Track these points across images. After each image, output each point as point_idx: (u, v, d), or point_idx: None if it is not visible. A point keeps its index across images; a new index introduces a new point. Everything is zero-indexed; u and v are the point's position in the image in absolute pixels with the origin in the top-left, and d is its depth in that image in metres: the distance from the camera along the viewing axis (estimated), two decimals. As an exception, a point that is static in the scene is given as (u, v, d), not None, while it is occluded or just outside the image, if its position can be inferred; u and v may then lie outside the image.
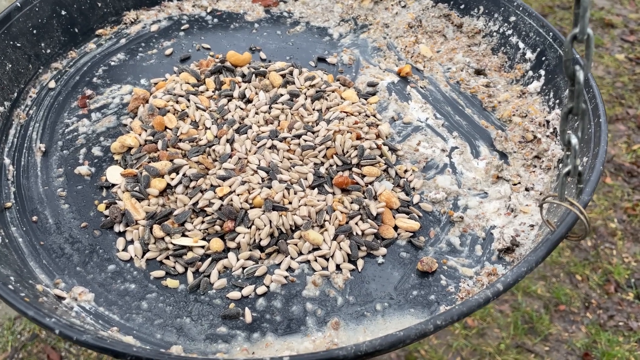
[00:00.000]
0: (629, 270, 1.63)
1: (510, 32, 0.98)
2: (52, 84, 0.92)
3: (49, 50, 0.95)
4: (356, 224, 0.74)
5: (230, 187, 0.74)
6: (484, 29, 1.02)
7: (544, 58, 0.92)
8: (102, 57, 0.98)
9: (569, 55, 0.52)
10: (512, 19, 0.98)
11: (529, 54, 0.94)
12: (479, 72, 0.99)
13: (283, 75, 0.92)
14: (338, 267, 0.70)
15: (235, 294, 0.67)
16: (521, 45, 0.96)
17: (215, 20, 1.08)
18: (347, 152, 0.80)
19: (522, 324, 1.52)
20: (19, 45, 0.90)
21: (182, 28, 1.05)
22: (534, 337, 1.50)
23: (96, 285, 0.68)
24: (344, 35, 1.06)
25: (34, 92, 0.91)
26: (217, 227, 0.72)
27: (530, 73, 0.93)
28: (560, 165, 0.80)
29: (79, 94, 0.91)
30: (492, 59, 1.00)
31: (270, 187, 0.75)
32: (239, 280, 0.69)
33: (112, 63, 0.97)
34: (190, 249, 0.71)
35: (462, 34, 1.05)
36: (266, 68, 0.93)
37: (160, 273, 0.69)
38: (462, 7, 1.05)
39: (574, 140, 0.56)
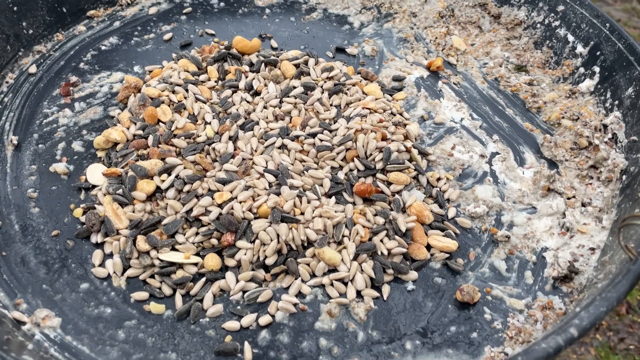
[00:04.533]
0: (640, 291, 1.52)
1: (557, 23, 0.86)
2: (32, 69, 0.81)
3: (31, 31, 0.84)
4: (381, 241, 0.61)
5: (231, 192, 0.62)
6: (526, 20, 0.90)
7: (598, 53, 0.79)
8: (92, 41, 0.87)
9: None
10: (560, 8, 0.86)
11: (580, 48, 0.82)
12: (520, 69, 0.86)
13: (297, 65, 0.80)
14: (359, 293, 0.58)
15: (232, 324, 0.55)
16: (570, 38, 0.84)
17: (222, 4, 0.96)
18: (371, 154, 0.67)
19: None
20: (-5, 22, 0.79)
21: (184, 12, 0.94)
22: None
23: (65, 308, 0.56)
24: (365, 24, 0.94)
25: (11, 77, 0.79)
26: (214, 241, 0.60)
27: (582, 70, 0.81)
28: (625, 177, 0.67)
29: (62, 81, 0.80)
30: (535, 54, 0.87)
31: (278, 194, 0.62)
32: (238, 307, 0.56)
33: (103, 47, 0.86)
34: (180, 266, 0.59)
35: (500, 25, 0.93)
36: (277, 57, 0.81)
37: (142, 295, 0.57)
38: (500, -5, 0.93)
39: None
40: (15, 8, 0.81)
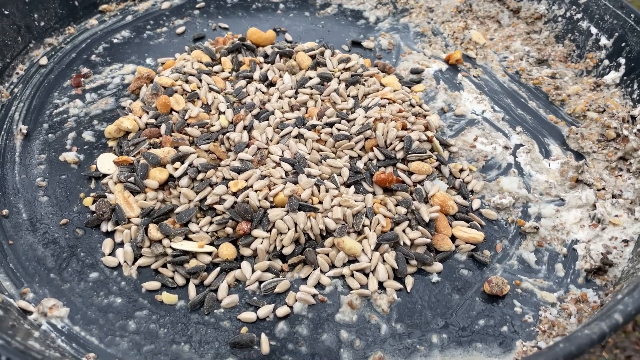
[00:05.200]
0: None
1: (579, 15, 0.84)
2: (43, 61, 0.79)
3: (42, 23, 0.83)
4: (403, 231, 0.58)
5: (246, 181, 0.60)
6: (547, 13, 0.88)
7: (623, 44, 0.77)
8: (104, 34, 0.85)
9: None
10: (582, 0, 0.83)
11: (604, 40, 0.79)
12: (541, 62, 0.84)
13: (312, 57, 0.78)
14: (381, 285, 0.55)
15: (248, 315, 0.52)
16: (594, 30, 0.81)
17: (235, -1, 0.94)
18: (391, 143, 0.65)
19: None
20: (6, 13, 0.77)
21: (198, 6, 0.92)
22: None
23: (73, 298, 0.53)
24: (381, 19, 0.92)
25: (22, 69, 0.78)
26: (229, 230, 0.57)
27: (606, 62, 0.78)
28: (657, 167, 0.64)
29: (73, 73, 0.78)
30: (557, 48, 0.85)
31: (296, 183, 0.60)
32: (254, 298, 0.54)
33: (115, 41, 0.84)
34: (194, 255, 0.56)
35: (519, 20, 0.90)
36: (292, 48, 0.79)
37: (154, 285, 0.54)
38: (519, -11, 0.91)
39: None
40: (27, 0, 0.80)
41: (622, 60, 0.76)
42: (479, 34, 0.88)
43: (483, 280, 0.56)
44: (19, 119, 0.71)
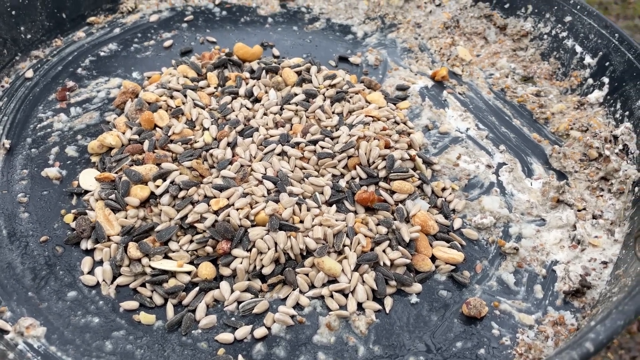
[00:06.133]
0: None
1: (565, 34, 0.84)
2: (29, 74, 0.79)
3: (29, 36, 0.83)
4: (384, 251, 0.58)
5: (228, 199, 0.60)
6: (533, 31, 0.88)
7: (607, 63, 0.77)
8: (91, 47, 0.85)
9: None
10: (568, 19, 0.84)
11: (589, 59, 0.80)
12: (526, 80, 0.85)
13: (298, 73, 0.78)
14: (360, 306, 0.55)
15: (226, 336, 0.52)
16: (578, 49, 0.82)
17: (224, 12, 0.95)
18: (374, 162, 0.65)
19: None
20: (-8, 26, 0.77)
21: (186, 19, 0.92)
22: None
23: (50, 317, 0.53)
24: (369, 34, 0.93)
25: (7, 82, 0.78)
26: (209, 249, 0.57)
27: (590, 81, 0.79)
28: (637, 189, 0.64)
29: (59, 86, 0.78)
30: (542, 65, 0.85)
31: (277, 201, 0.60)
32: (233, 319, 0.54)
33: (102, 54, 0.84)
34: (173, 274, 0.56)
35: (506, 36, 0.91)
36: (279, 64, 0.79)
37: (132, 304, 0.54)
38: (506, 6, 0.91)
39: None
40: (13, 12, 0.80)
41: (606, 80, 0.77)
42: (466, 51, 0.89)
43: (462, 301, 0.56)
44: (3, 133, 0.70)
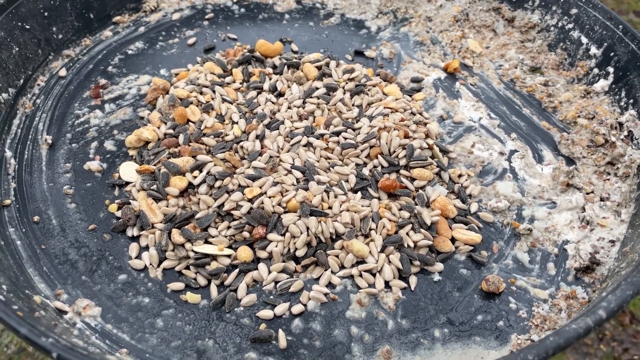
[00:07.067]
0: (643, 301, 1.51)
1: (571, 26, 0.88)
2: (62, 72, 0.83)
3: (60, 36, 0.87)
4: (407, 234, 0.63)
5: (260, 188, 0.64)
6: (540, 23, 0.92)
7: (612, 54, 0.81)
8: (119, 46, 0.89)
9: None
10: (574, 11, 0.88)
11: (594, 50, 0.84)
12: (534, 70, 0.89)
13: (318, 67, 0.82)
14: (387, 284, 0.60)
15: (266, 313, 0.57)
16: (584, 40, 0.86)
17: (242, 10, 0.99)
18: (394, 151, 0.70)
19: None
20: (27, 27, 0.81)
21: (206, 17, 0.96)
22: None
23: (104, 298, 0.58)
24: (382, 28, 0.97)
25: (43, 80, 0.82)
26: (246, 234, 0.62)
27: (596, 71, 0.83)
28: (642, 172, 0.69)
29: (92, 84, 0.82)
30: (549, 56, 0.90)
31: (306, 189, 0.65)
32: (271, 297, 0.58)
33: (130, 52, 0.88)
34: (214, 258, 0.61)
35: (514, 29, 0.95)
36: (299, 59, 0.84)
37: (179, 285, 0.59)
38: (514, -1, 0.95)
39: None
40: (46, 13, 0.84)
41: (611, 69, 0.81)
42: (476, 43, 0.93)
43: (481, 278, 0.61)
44: (43, 129, 0.75)
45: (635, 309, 1.51)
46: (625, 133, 0.74)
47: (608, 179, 0.71)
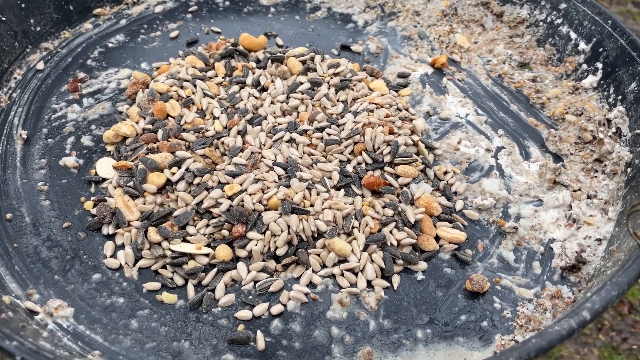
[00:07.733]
0: (642, 291, 1.52)
1: (560, 21, 0.87)
2: (40, 65, 0.81)
3: (38, 28, 0.84)
4: (390, 232, 0.62)
5: (241, 185, 0.63)
6: (529, 18, 0.91)
7: (601, 49, 0.80)
8: (99, 39, 0.87)
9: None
10: (563, 6, 0.87)
11: (583, 45, 0.83)
12: (523, 66, 0.87)
13: (303, 62, 0.80)
14: (369, 283, 0.58)
15: (245, 314, 0.55)
16: (573, 35, 0.85)
17: (227, 2, 0.97)
18: (379, 148, 0.68)
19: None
20: (3, 19, 0.79)
21: (190, 10, 0.94)
22: (545, 359, 1.37)
23: (77, 298, 0.56)
24: (369, 22, 0.95)
25: (19, 74, 0.80)
26: (225, 232, 0.60)
27: (585, 66, 0.82)
28: (629, 170, 0.68)
29: (70, 77, 0.80)
30: (538, 52, 0.88)
31: (288, 187, 0.63)
32: (250, 297, 0.57)
33: (110, 45, 0.86)
34: (192, 257, 0.59)
35: (502, 23, 0.94)
36: (284, 53, 0.82)
37: (155, 285, 0.57)
38: (503, -6, 0.94)
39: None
40: (23, 5, 0.82)
41: (599, 65, 0.80)
42: (464, 38, 0.91)
43: (465, 278, 0.59)
44: (19, 124, 0.73)
45: (633, 298, 1.51)
46: (614, 130, 0.73)
47: (595, 177, 0.70)
